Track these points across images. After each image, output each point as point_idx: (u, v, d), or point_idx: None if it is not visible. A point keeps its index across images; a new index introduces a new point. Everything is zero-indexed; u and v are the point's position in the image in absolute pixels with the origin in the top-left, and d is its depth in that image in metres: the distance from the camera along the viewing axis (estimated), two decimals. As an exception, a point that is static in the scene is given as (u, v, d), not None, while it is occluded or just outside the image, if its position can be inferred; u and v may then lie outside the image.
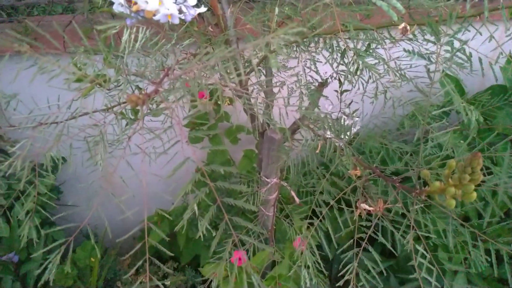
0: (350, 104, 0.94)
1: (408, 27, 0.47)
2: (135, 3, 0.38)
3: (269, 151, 0.99)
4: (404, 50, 0.55)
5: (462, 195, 0.44)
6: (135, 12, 0.39)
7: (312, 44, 0.88)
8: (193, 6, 0.41)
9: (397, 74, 0.71)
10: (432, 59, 0.60)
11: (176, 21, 0.39)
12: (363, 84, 0.83)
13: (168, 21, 0.39)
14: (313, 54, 0.89)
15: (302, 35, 0.79)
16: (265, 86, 0.92)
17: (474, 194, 0.45)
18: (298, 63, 0.93)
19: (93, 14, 1.10)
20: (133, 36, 0.40)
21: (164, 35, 0.51)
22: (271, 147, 0.98)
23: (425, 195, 0.49)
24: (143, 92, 0.58)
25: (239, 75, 0.56)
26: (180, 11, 0.40)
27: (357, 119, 0.91)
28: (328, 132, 0.81)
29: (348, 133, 0.86)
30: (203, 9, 0.42)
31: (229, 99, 1.30)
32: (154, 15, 0.39)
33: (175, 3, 0.39)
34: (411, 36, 0.68)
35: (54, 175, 1.43)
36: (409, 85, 0.77)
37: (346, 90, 0.91)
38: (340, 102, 0.94)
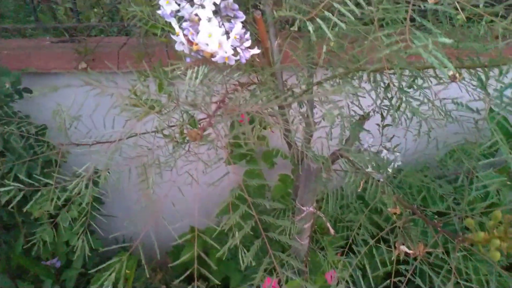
0: (391, 138, 0.93)
1: (457, 75, 0.48)
2: (196, 44, 0.41)
3: (306, 179, 0.99)
4: (453, 101, 0.55)
5: (508, 248, 0.43)
6: (195, 51, 0.42)
7: (356, 78, 0.89)
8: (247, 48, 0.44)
9: (442, 114, 0.71)
10: (481, 100, 0.59)
11: (232, 63, 0.42)
12: (406, 120, 0.83)
13: (225, 61, 0.42)
14: (356, 87, 0.90)
15: (346, 71, 0.81)
16: (306, 117, 0.94)
17: (521, 247, 0.44)
18: (340, 95, 0.94)
19: (147, 38, 1.17)
20: (194, 74, 0.43)
21: (217, 69, 0.54)
22: (308, 175, 0.99)
23: (468, 243, 0.48)
24: (194, 119, 0.61)
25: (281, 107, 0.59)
26: (236, 53, 0.42)
27: (398, 154, 0.91)
28: (369, 167, 0.81)
29: (388, 168, 0.85)
30: (256, 50, 0.45)
31: (270, 125, 1.33)
32: (213, 56, 0.42)
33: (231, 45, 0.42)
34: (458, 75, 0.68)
35: (98, 187, 1.50)
36: (455, 125, 0.76)
37: (388, 125, 0.91)
38: (382, 136, 0.94)
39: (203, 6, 0.41)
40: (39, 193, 1.34)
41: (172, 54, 1.10)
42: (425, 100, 0.65)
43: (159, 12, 0.43)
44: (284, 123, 0.84)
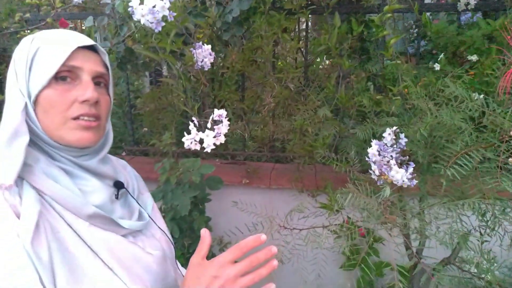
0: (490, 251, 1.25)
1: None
2: (385, 175, 0.86)
3: (419, 281, 1.31)
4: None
5: None
6: (383, 179, 0.88)
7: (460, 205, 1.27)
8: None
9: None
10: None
11: (405, 186, 0.85)
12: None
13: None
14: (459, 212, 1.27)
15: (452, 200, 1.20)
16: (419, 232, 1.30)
17: None
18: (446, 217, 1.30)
19: (303, 166, 1.68)
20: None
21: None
22: (421, 278, 1.31)
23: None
24: (351, 220, 1.03)
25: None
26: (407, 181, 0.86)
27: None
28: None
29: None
30: (415, 181, 0.88)
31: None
32: (393, 181, 0.86)
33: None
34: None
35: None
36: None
37: (486, 240, 1.24)
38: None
39: (392, 157, 0.88)
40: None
41: (319, 177, 1.58)
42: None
43: (367, 159, 0.90)
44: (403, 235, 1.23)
